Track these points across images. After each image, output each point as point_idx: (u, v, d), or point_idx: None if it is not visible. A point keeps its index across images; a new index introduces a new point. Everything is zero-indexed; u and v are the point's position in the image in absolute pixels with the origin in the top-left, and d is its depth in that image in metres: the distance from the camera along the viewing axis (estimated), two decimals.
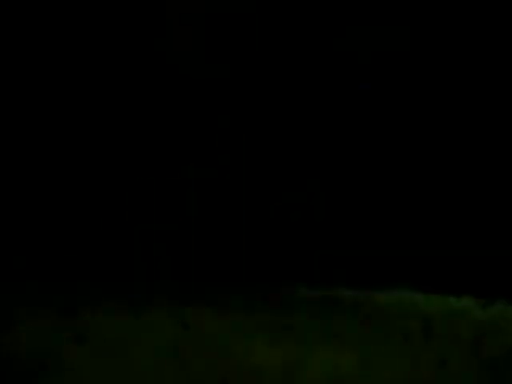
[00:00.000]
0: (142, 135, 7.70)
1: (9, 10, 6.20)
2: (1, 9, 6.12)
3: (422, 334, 3.88)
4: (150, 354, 3.33)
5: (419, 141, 7.24)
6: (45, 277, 5.86)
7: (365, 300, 4.93)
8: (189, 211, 8.16)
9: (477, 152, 6.80)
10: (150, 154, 7.87)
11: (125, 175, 7.61)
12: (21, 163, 6.92)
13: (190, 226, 8.38)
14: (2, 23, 6.22)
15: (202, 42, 6.72)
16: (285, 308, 4.52)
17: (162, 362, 3.24)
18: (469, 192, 6.59)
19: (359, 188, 7.60)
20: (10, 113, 6.77)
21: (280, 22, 6.94)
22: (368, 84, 7.33)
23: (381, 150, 7.52)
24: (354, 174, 7.58)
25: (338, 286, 5.70)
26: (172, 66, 6.91)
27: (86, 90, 7.07)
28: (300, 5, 6.85)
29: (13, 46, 6.53)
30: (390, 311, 4.52)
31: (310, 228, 8.28)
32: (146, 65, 6.92)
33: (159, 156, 7.87)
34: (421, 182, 7.03)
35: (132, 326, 3.82)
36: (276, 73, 7.28)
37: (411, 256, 6.28)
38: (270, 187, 8.54)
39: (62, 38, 6.50)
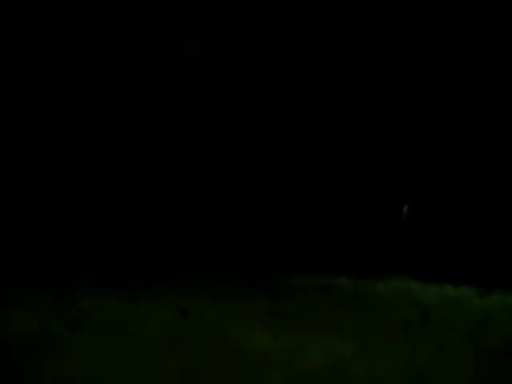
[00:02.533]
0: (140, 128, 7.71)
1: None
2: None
3: (421, 322, 3.89)
4: (150, 341, 3.34)
5: (418, 141, 7.27)
6: (44, 263, 5.86)
7: (363, 289, 4.94)
8: (188, 198, 8.18)
9: (475, 146, 6.82)
10: (149, 147, 7.88)
11: (124, 165, 7.61)
12: (20, 153, 6.91)
13: (191, 211, 8.41)
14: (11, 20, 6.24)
15: (204, 28, 6.72)
16: (284, 296, 4.53)
17: (162, 349, 3.25)
18: (466, 183, 6.60)
19: (352, 178, 7.61)
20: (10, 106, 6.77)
21: (282, 15, 6.93)
22: (365, 84, 7.31)
23: (378, 149, 7.54)
24: (350, 169, 7.60)
25: (337, 274, 5.71)
26: (174, 53, 6.90)
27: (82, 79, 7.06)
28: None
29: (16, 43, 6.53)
30: (388, 300, 4.53)
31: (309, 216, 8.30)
32: (148, 53, 6.91)
33: (158, 146, 7.87)
34: (417, 175, 7.05)
35: (131, 313, 3.82)
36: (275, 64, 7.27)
37: (409, 245, 6.29)
38: (265, 175, 8.56)
39: (64, 34, 6.49)
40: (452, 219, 6.45)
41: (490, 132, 6.81)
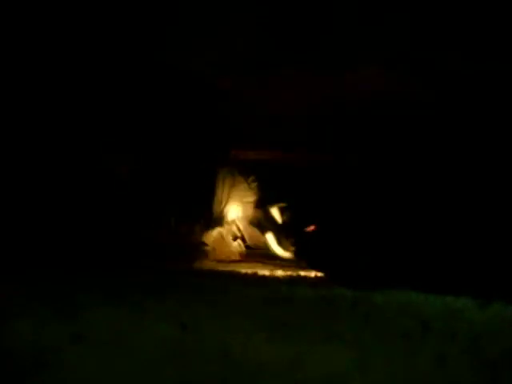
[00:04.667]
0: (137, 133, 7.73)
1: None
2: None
3: (420, 333, 3.89)
4: (150, 353, 3.34)
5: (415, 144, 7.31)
6: (44, 271, 5.86)
7: (363, 299, 4.93)
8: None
9: (474, 145, 6.85)
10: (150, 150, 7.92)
11: (125, 168, 7.62)
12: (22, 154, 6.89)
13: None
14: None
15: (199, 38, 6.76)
16: (284, 307, 4.53)
17: (162, 361, 3.25)
18: (466, 193, 6.62)
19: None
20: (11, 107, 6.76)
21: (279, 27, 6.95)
22: None
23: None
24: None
25: (337, 285, 5.71)
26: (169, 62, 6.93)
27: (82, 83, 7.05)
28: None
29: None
30: (388, 311, 4.53)
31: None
32: (143, 61, 6.93)
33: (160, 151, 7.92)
34: (420, 178, 7.08)
35: (131, 325, 3.82)
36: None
37: (409, 256, 6.31)
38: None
39: (64, 37, 6.51)
40: (451, 230, 6.46)
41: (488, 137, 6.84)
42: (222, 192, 8.83)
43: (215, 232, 8.70)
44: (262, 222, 9.01)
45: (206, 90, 7.46)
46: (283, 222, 8.93)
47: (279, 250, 8.76)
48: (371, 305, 4.76)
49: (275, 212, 9.01)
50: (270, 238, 8.84)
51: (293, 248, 8.49)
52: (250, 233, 8.99)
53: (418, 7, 6.92)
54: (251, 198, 9.08)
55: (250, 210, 9.10)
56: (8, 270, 5.69)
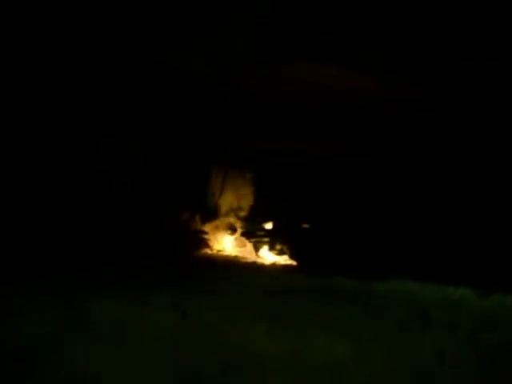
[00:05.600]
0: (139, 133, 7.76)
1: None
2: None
3: (420, 323, 3.87)
4: (150, 344, 3.33)
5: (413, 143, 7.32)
6: (45, 266, 5.85)
7: (364, 290, 4.92)
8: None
9: (473, 142, 6.85)
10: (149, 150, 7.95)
11: (122, 167, 7.64)
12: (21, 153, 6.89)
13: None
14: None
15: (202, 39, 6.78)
16: (284, 297, 4.52)
17: (162, 350, 3.23)
18: (466, 184, 6.61)
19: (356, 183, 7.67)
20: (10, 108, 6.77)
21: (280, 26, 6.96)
22: None
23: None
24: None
25: (337, 275, 5.69)
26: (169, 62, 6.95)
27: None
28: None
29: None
30: (388, 301, 4.52)
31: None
32: (144, 61, 6.94)
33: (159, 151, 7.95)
34: (418, 174, 7.08)
35: (131, 316, 3.81)
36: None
37: (410, 246, 6.29)
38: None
39: (63, 34, 6.53)
40: (451, 222, 6.45)
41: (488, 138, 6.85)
42: (215, 185, 8.88)
43: (211, 225, 8.78)
44: (254, 232, 9.03)
45: (206, 89, 7.48)
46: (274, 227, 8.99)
47: (273, 259, 8.72)
48: (371, 295, 4.74)
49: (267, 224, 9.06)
50: (263, 252, 8.82)
51: (287, 251, 8.46)
52: (240, 240, 8.97)
53: (418, 7, 6.93)
54: (246, 190, 9.15)
55: (246, 203, 9.12)
56: (8, 270, 5.68)
